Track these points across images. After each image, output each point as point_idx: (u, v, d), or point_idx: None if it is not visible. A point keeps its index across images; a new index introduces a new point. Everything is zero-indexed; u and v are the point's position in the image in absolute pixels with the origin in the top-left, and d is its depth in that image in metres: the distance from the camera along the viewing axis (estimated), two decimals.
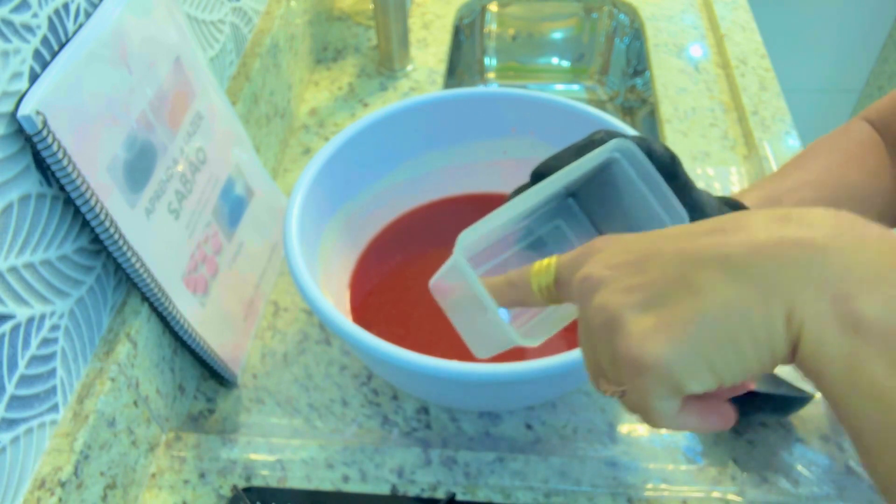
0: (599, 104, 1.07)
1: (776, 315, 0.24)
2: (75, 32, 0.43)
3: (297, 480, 0.51)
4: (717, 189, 0.73)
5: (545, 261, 0.33)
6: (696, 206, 0.42)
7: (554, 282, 0.33)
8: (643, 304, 0.27)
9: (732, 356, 0.25)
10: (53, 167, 0.40)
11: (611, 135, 0.41)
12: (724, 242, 0.26)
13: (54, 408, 0.44)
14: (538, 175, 0.43)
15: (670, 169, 0.40)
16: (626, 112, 1.04)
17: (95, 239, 0.47)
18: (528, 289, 0.34)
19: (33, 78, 0.40)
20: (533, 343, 0.37)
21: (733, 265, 0.25)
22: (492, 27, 1.07)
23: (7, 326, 0.40)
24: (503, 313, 0.38)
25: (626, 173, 0.39)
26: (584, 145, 0.42)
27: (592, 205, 0.43)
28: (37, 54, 0.41)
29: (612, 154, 0.38)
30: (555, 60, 1.10)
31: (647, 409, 0.28)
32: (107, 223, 0.44)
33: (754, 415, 0.55)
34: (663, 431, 0.55)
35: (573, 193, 0.43)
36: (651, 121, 0.90)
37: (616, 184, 0.40)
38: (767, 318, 0.24)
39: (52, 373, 0.44)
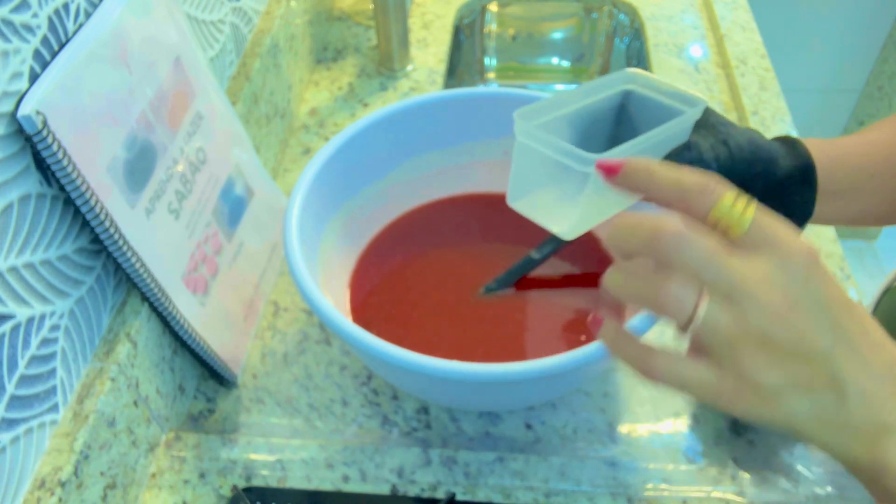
0: None
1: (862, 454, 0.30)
2: (75, 32, 0.43)
3: (297, 480, 0.52)
4: None
5: (742, 200, 0.29)
6: (740, 145, 0.43)
7: (744, 231, 0.29)
8: (795, 385, 0.29)
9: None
10: (53, 167, 0.40)
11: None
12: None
13: (54, 408, 0.44)
14: None
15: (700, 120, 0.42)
16: None
17: (95, 239, 0.47)
18: (703, 209, 0.30)
19: (33, 78, 0.40)
20: (571, 234, 0.41)
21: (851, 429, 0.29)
22: (492, 27, 1.07)
23: (7, 326, 0.40)
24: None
25: (644, 99, 0.42)
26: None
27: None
28: (37, 54, 0.41)
29: (627, 86, 0.42)
30: (555, 60, 1.10)
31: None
32: (107, 223, 0.44)
33: None
34: (663, 431, 0.55)
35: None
36: None
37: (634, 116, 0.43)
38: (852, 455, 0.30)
39: (52, 373, 0.44)
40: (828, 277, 0.30)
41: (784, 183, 0.43)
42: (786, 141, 0.45)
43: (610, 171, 0.33)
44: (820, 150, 0.45)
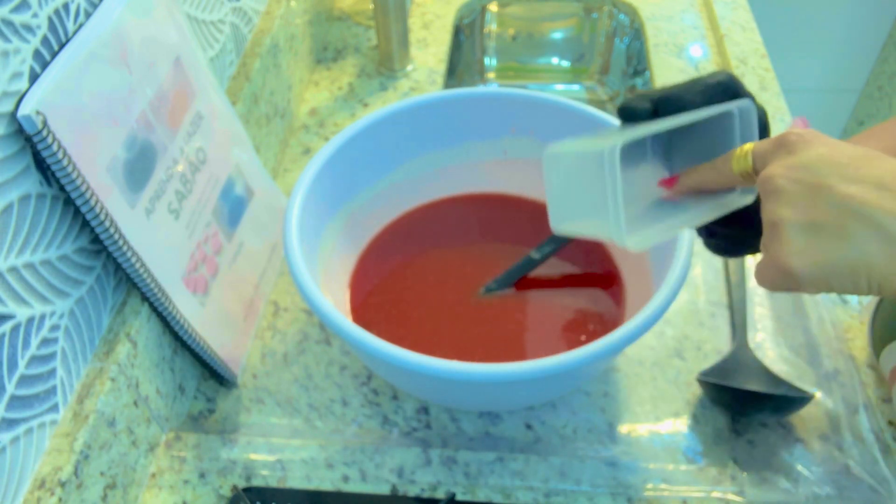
0: (599, 104, 1.07)
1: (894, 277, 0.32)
2: (75, 32, 0.43)
3: (297, 480, 0.52)
4: None
5: (744, 147, 0.39)
6: None
7: (751, 167, 0.38)
8: (804, 227, 0.33)
9: (849, 286, 0.33)
10: (53, 167, 0.40)
11: (733, 80, 0.43)
12: (887, 209, 0.31)
13: (54, 408, 0.44)
14: (653, 101, 0.44)
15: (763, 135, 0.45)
16: None
17: (95, 239, 0.47)
18: (729, 170, 0.39)
19: (33, 78, 0.40)
20: (640, 245, 0.42)
21: (887, 235, 0.31)
22: (492, 27, 1.07)
23: (7, 326, 0.40)
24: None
25: (733, 129, 0.42)
26: (711, 86, 0.43)
27: (678, 138, 0.46)
28: (37, 54, 0.41)
29: (734, 109, 0.42)
30: (555, 60, 1.10)
31: (771, 283, 0.36)
32: (107, 223, 0.44)
33: (754, 415, 0.55)
34: (663, 431, 0.55)
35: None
36: None
37: (714, 131, 0.43)
38: (889, 281, 0.32)
39: (52, 373, 0.44)
40: (824, 143, 0.35)
41: None
42: None
43: (668, 183, 0.44)
44: None
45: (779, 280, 0.35)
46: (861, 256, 0.32)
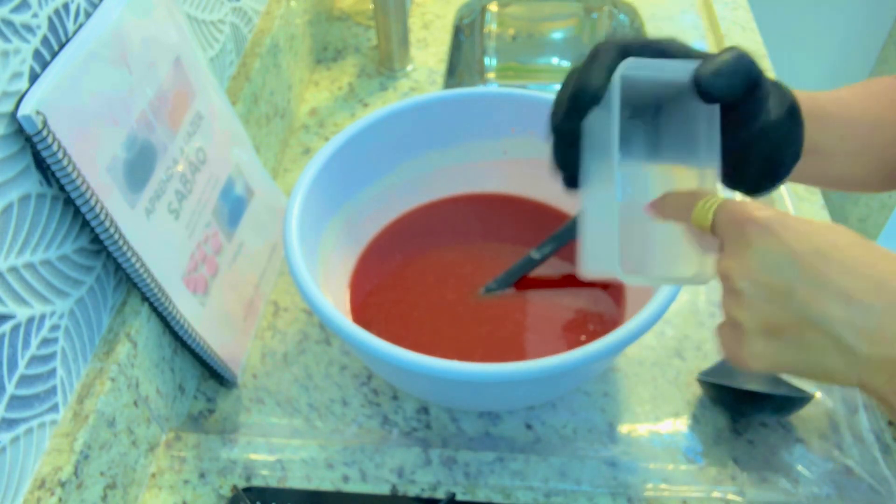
0: None
1: (852, 382, 0.32)
2: (75, 32, 0.43)
3: (297, 480, 0.52)
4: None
5: (709, 200, 0.37)
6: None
7: (710, 227, 0.36)
8: (765, 331, 0.33)
9: (808, 381, 0.35)
10: (53, 167, 0.40)
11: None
12: (846, 322, 0.31)
13: (54, 408, 0.44)
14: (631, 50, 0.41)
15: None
16: None
17: (95, 239, 0.46)
18: (687, 214, 0.38)
19: (33, 78, 0.40)
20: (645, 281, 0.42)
21: (846, 348, 0.31)
22: (492, 27, 1.07)
23: (7, 326, 0.40)
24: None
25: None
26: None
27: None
28: (37, 54, 0.41)
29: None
30: (555, 60, 1.10)
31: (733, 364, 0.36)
32: (107, 223, 0.44)
33: (754, 415, 0.55)
34: (663, 431, 0.55)
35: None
36: None
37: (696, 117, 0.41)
38: (846, 383, 0.33)
39: (52, 373, 0.44)
40: (786, 236, 0.33)
41: (775, 121, 0.43)
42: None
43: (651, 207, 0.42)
44: (799, 100, 0.45)
45: (737, 366, 0.36)
46: (819, 364, 0.32)
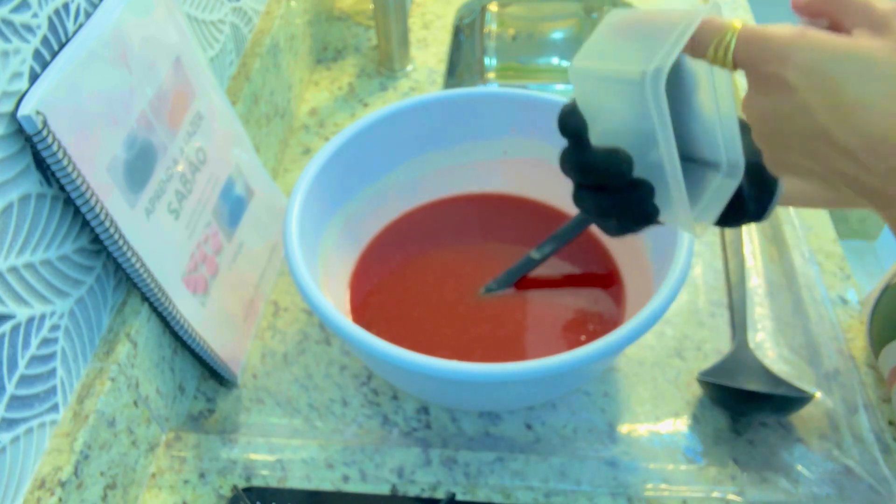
0: None
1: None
2: (75, 32, 0.43)
3: (297, 480, 0.52)
4: None
5: (728, 25, 0.33)
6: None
7: (732, 58, 0.33)
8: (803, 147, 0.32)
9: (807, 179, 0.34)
10: (53, 167, 0.40)
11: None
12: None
13: (54, 408, 0.44)
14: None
15: None
16: None
17: (95, 239, 0.46)
18: (705, 45, 0.34)
19: (33, 78, 0.40)
20: (702, 231, 0.40)
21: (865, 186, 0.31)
22: (492, 27, 1.07)
23: (7, 326, 0.40)
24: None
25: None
26: None
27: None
28: (37, 54, 0.41)
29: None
30: (555, 60, 1.10)
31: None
32: (107, 223, 0.44)
33: (754, 415, 0.55)
34: (663, 431, 0.55)
35: None
36: None
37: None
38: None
39: (52, 373, 0.44)
40: (802, 73, 0.31)
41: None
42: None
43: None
44: None
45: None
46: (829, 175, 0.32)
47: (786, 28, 0.32)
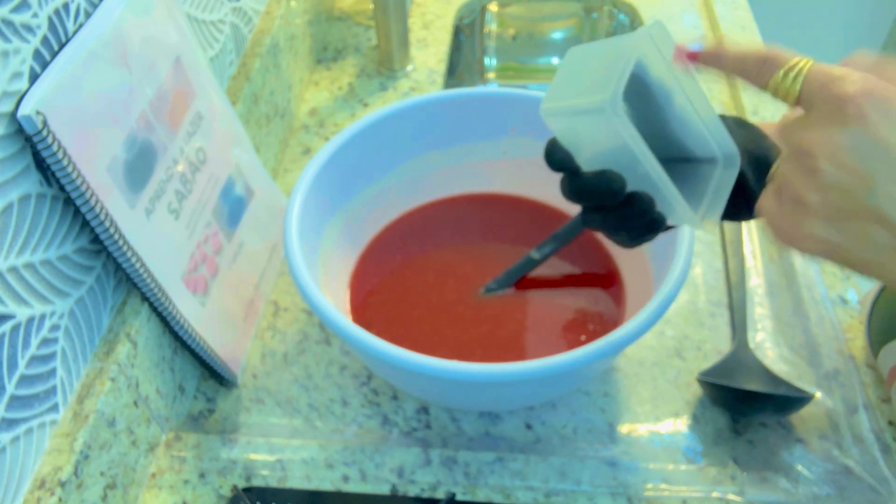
0: None
1: None
2: (75, 32, 0.43)
3: (297, 480, 0.52)
4: None
5: (796, 66, 0.34)
6: (730, 126, 0.43)
7: (796, 98, 0.33)
8: (828, 219, 0.32)
9: (854, 271, 0.33)
10: (53, 167, 0.40)
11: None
12: None
13: (54, 408, 0.44)
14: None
15: None
16: None
17: (95, 239, 0.47)
18: (765, 79, 0.34)
19: (33, 78, 0.40)
20: (709, 227, 0.41)
21: None
22: (492, 27, 1.07)
23: (7, 326, 0.40)
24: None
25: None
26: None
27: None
28: (37, 54, 0.41)
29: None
30: (555, 60, 1.10)
31: (778, 239, 0.34)
32: (107, 223, 0.44)
33: (754, 415, 0.55)
34: (663, 431, 0.55)
35: None
36: None
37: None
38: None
39: (52, 373, 0.44)
40: (885, 124, 0.30)
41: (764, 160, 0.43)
42: (742, 122, 0.45)
43: (691, 57, 0.38)
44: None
45: (783, 246, 0.34)
46: (874, 258, 0.31)
47: (855, 74, 0.32)
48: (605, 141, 0.39)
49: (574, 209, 0.44)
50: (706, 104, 0.40)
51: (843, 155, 0.31)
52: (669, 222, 0.43)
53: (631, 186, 0.41)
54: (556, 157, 0.42)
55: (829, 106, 0.31)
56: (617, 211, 0.42)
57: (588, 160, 0.42)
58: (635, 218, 0.42)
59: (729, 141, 0.41)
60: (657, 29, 0.38)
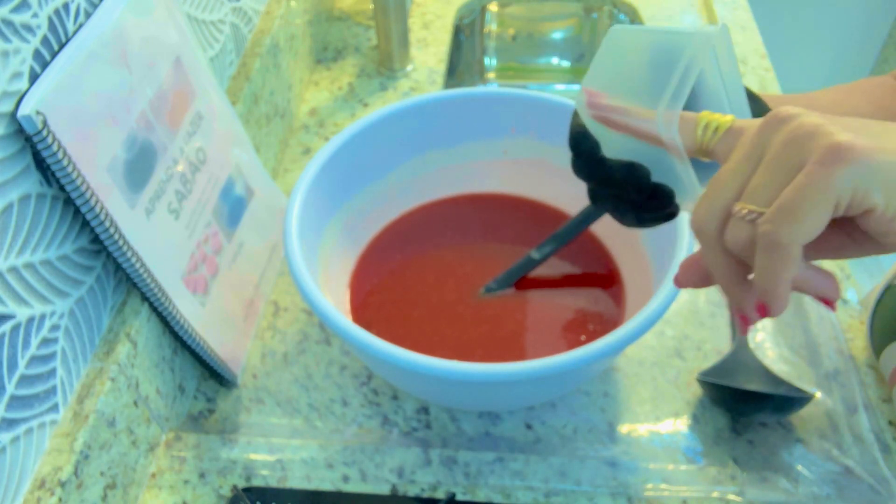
0: None
1: None
2: (75, 32, 0.43)
3: (297, 480, 0.52)
4: None
5: (715, 116, 0.34)
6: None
7: (726, 129, 0.33)
8: (851, 130, 0.28)
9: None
10: (53, 167, 0.40)
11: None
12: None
13: (54, 408, 0.44)
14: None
15: None
16: None
17: (95, 239, 0.47)
18: (691, 128, 0.34)
19: (33, 78, 0.40)
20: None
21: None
22: (492, 27, 1.07)
23: (7, 326, 0.40)
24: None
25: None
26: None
27: None
28: (37, 54, 0.41)
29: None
30: (555, 60, 1.10)
31: (795, 215, 0.28)
32: (107, 223, 0.44)
33: (754, 415, 0.55)
34: (663, 431, 0.55)
35: None
36: None
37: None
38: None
39: (52, 373, 0.44)
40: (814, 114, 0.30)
41: None
42: (751, 94, 0.45)
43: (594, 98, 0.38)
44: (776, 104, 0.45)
45: (829, 175, 0.28)
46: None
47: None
48: (644, 144, 0.38)
49: (574, 209, 0.44)
50: (743, 102, 0.39)
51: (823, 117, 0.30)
52: (684, 210, 0.42)
53: (654, 178, 0.40)
54: (585, 146, 0.41)
55: (773, 119, 0.31)
56: (633, 199, 0.41)
57: (615, 149, 0.40)
58: (650, 210, 0.41)
59: (748, 116, 0.40)
60: (720, 37, 0.36)
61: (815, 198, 0.28)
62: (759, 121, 0.31)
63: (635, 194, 0.41)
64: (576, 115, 0.42)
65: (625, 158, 0.40)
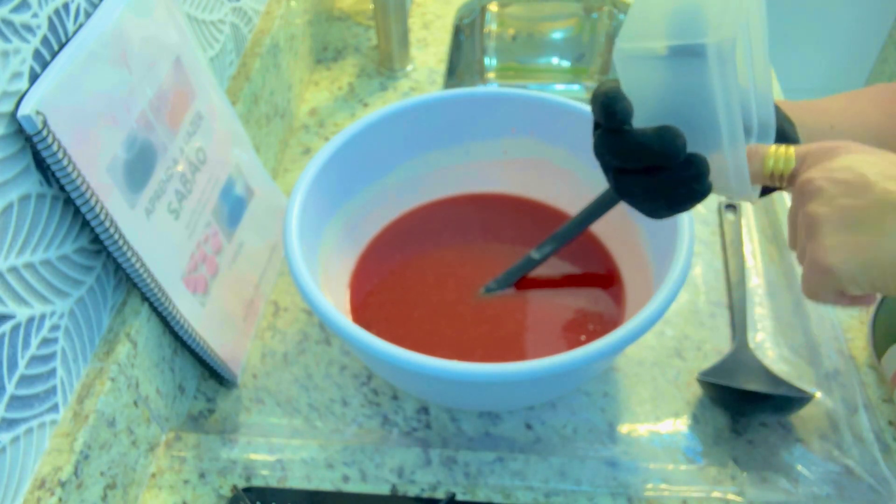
0: None
1: None
2: (75, 32, 0.43)
3: (297, 480, 0.52)
4: None
5: (782, 148, 0.38)
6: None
7: (790, 173, 0.38)
8: (841, 222, 0.34)
9: (889, 280, 0.34)
10: (53, 167, 0.40)
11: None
12: None
13: (54, 408, 0.44)
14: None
15: None
16: None
17: (95, 239, 0.47)
18: (759, 168, 0.39)
19: (33, 78, 0.40)
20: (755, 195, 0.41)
21: None
22: (492, 27, 1.07)
23: (7, 326, 0.40)
24: None
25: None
26: None
27: None
28: (37, 54, 0.41)
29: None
30: (555, 60, 1.10)
31: (815, 288, 0.37)
32: (107, 223, 0.44)
33: (754, 415, 0.55)
34: (663, 431, 0.55)
35: None
36: None
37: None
38: None
39: (52, 373, 0.44)
40: (864, 150, 0.36)
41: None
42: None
43: None
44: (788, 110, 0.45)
45: (819, 280, 0.35)
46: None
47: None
48: (683, 94, 0.36)
49: (574, 209, 0.44)
50: (766, 74, 0.39)
51: (835, 172, 0.35)
52: (715, 191, 0.40)
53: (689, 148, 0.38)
54: (619, 108, 0.38)
55: (819, 151, 0.37)
56: (666, 175, 0.39)
57: (645, 117, 0.38)
58: (685, 184, 0.39)
59: (771, 111, 0.40)
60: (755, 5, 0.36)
61: (816, 292, 0.37)
62: (813, 151, 0.37)
63: (667, 165, 0.39)
64: (602, 83, 0.39)
65: (656, 125, 0.38)
